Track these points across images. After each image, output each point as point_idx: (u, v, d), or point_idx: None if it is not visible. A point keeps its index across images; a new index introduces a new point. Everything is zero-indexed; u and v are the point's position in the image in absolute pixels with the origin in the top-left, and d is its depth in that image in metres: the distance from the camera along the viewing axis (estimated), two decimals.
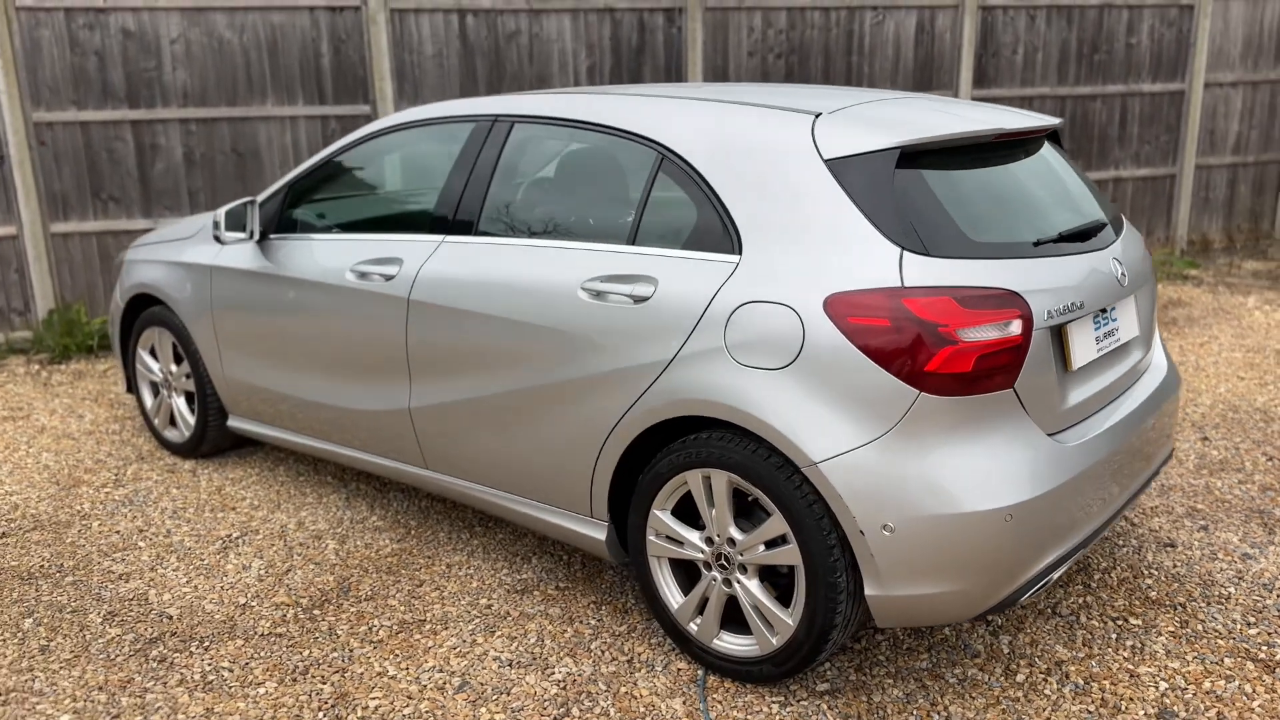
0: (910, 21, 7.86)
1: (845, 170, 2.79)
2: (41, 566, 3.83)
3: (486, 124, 3.62)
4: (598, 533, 3.25)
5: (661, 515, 3.05)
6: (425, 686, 3.02)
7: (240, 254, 4.27)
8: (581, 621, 3.36)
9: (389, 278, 3.66)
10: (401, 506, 4.27)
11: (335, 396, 3.96)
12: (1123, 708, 2.85)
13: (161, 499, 4.41)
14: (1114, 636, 3.20)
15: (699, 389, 2.84)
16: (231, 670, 3.14)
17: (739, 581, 2.92)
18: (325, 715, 2.90)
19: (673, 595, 3.10)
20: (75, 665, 3.18)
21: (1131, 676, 3.00)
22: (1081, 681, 2.98)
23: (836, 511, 2.65)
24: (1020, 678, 3.00)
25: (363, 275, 3.76)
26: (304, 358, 4.04)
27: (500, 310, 3.31)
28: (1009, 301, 2.64)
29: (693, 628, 3.06)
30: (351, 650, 3.23)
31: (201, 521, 4.18)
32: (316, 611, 3.47)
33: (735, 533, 2.90)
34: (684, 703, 2.92)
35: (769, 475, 2.75)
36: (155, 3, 6.50)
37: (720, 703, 2.91)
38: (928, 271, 2.64)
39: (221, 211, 4.11)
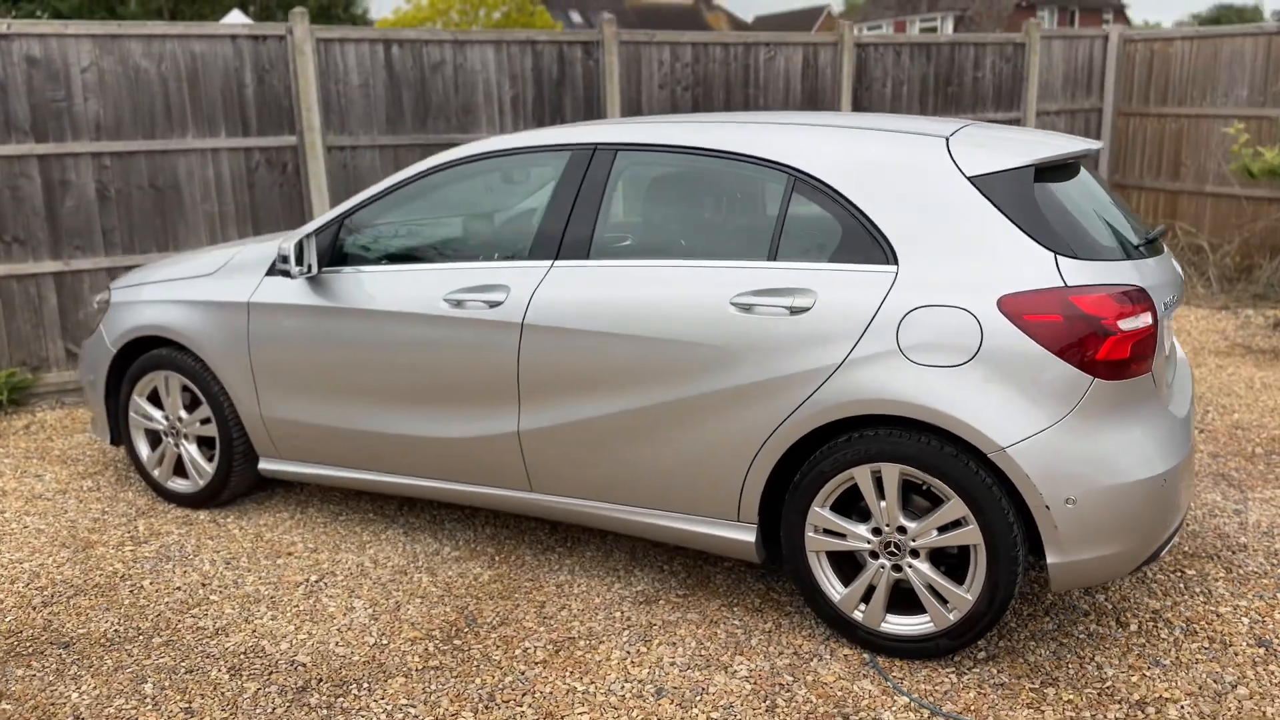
0: (798, 57, 8.44)
1: (990, 186, 3.13)
2: (116, 631, 3.56)
3: (585, 152, 3.73)
4: (746, 535, 3.43)
5: (822, 511, 3.26)
6: (624, 697, 3.09)
7: (286, 289, 4.12)
8: (724, 623, 3.51)
9: (494, 304, 3.68)
10: (467, 535, 4.24)
11: (418, 427, 3.91)
12: (1229, 642, 3.33)
13: (201, 551, 4.16)
14: (1183, 586, 3.70)
15: (874, 389, 3.09)
16: (416, 706, 3.08)
17: (911, 566, 3.18)
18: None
19: (834, 587, 3.32)
20: None
21: (1218, 616, 3.49)
22: (1184, 625, 3.44)
23: (1023, 490, 2.97)
24: (1133, 628, 3.43)
25: (458, 303, 3.75)
26: (378, 390, 3.96)
27: (637, 329, 3.43)
28: (1143, 296, 3.06)
29: (858, 615, 3.29)
30: (522, 672, 3.24)
31: (263, 569, 3.99)
32: (456, 641, 3.44)
33: (905, 521, 3.16)
34: (872, 682, 3.14)
35: (945, 464, 3.04)
36: (64, 29, 6.05)
37: (901, 680, 3.15)
38: (1080, 272, 3.02)
39: (290, 246, 3.96)
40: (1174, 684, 3.11)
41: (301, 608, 3.69)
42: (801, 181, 3.34)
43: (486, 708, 3.06)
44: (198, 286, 4.38)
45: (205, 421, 4.44)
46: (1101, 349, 2.95)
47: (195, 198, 6.53)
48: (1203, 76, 9.33)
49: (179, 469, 4.61)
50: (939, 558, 3.21)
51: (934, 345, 3.04)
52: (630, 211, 3.69)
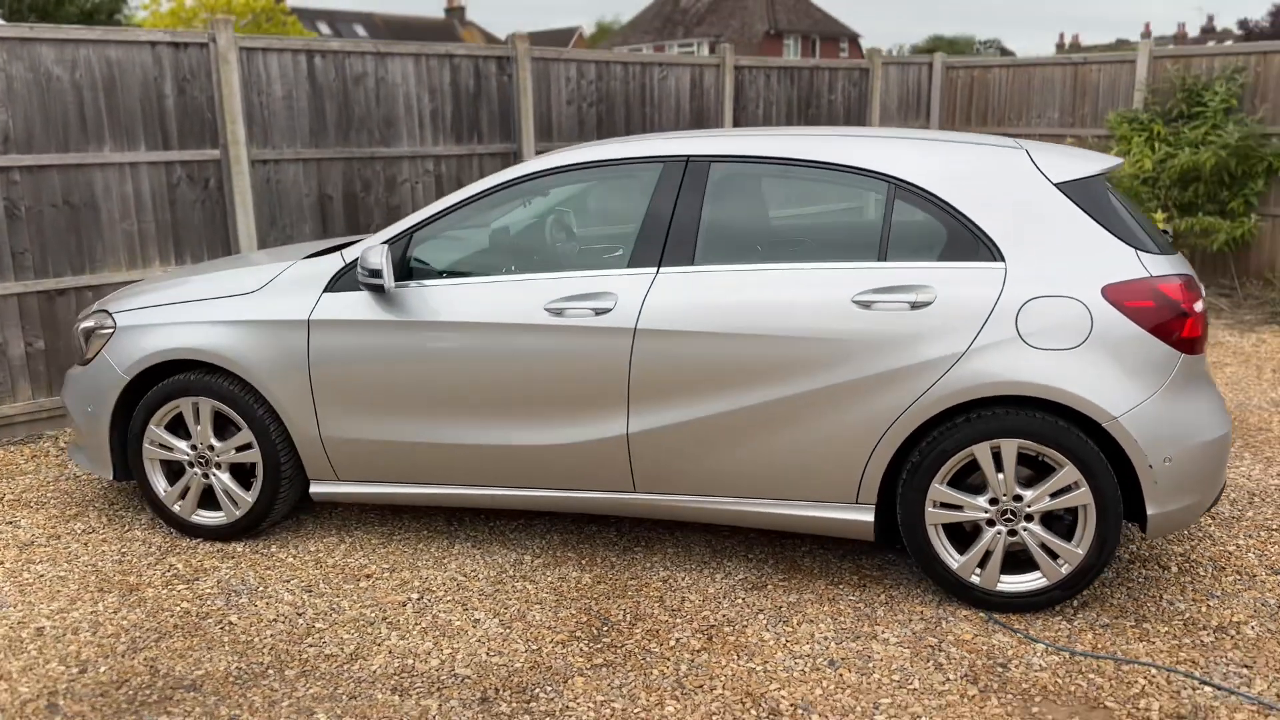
0: (686, 77, 8.84)
1: (1074, 191, 3.61)
2: (238, 668, 3.37)
3: (678, 164, 3.90)
4: (865, 516, 3.72)
5: (941, 487, 3.61)
6: (805, 671, 3.30)
7: (353, 305, 4.02)
8: (842, 600, 3.78)
9: (602, 311, 3.78)
10: (538, 543, 4.28)
11: (511, 436, 3.93)
12: (1253, 573, 3.96)
13: (267, 582, 3.96)
14: (1187, 534, 4.32)
15: (999, 373, 3.47)
16: (615, 701, 3.15)
17: (1026, 530, 3.58)
18: (759, 712, 3.08)
19: (951, 556, 3.67)
20: None
21: (1229, 554, 4.12)
22: (1210, 563, 4.04)
23: (1130, 453, 3.44)
24: (1174, 570, 3.99)
25: (559, 312, 3.82)
26: (466, 402, 3.94)
27: (757, 329, 3.65)
28: (1195, 284, 3.62)
29: (974, 579, 3.66)
30: (692, 660, 3.37)
31: (353, 593, 3.87)
32: (606, 640, 3.51)
33: (1020, 489, 3.56)
34: (1004, 637, 3.52)
35: (1060, 435, 3.47)
36: None
37: (1025, 631, 3.55)
38: (1155, 264, 3.54)
39: (376, 259, 3.86)
40: (1234, 610, 3.68)
41: (423, 624, 3.63)
42: (903, 189, 3.68)
43: (684, 693, 3.18)
44: (239, 306, 4.16)
45: (244, 448, 4.21)
46: (1184, 328, 3.48)
47: (114, 216, 6.06)
48: (1019, 100, 10.54)
49: (205, 501, 4.34)
50: (1047, 520, 3.62)
51: (1051, 331, 3.46)
52: (737, 220, 3.89)
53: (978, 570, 3.66)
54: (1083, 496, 3.51)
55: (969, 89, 10.93)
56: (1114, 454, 3.53)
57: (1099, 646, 3.44)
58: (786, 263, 3.73)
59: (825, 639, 3.50)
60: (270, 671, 3.35)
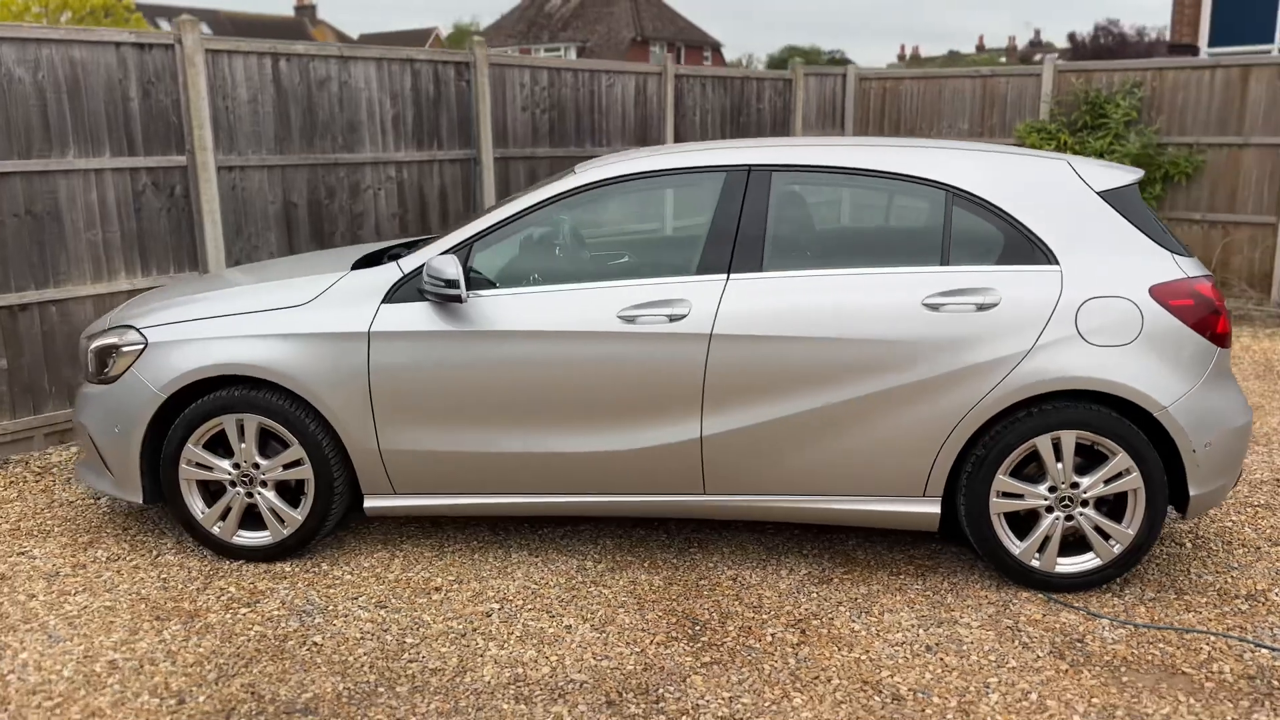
0: (631, 85, 8.95)
1: (1113, 199, 3.90)
2: (346, 689, 3.30)
3: (741, 173, 4.02)
4: (932, 508, 3.92)
5: (1005, 478, 3.85)
6: (907, 657, 3.46)
7: (414, 315, 3.97)
8: (909, 589, 3.97)
9: (676, 317, 3.86)
10: (593, 549, 4.31)
11: (581, 443, 3.96)
12: (1257, 545, 4.35)
13: (334, 601, 3.87)
14: None
15: (1062, 369, 3.73)
16: (743, 697, 3.24)
17: (1082, 514, 3.85)
18: (882, 698, 3.22)
19: (1013, 542, 3.91)
20: None
21: (1229, 528, 4.51)
22: (1218, 538, 4.42)
23: (1177, 440, 3.75)
24: (1189, 546, 4.35)
25: (632, 319, 3.88)
26: (534, 411, 3.95)
27: (830, 332, 3.80)
28: (1215, 283, 3.98)
29: (1034, 563, 3.90)
30: (796, 653, 3.49)
31: (426, 609, 3.82)
32: (704, 640, 3.60)
33: (1077, 477, 3.83)
34: (1070, 615, 3.77)
35: (1114, 426, 3.75)
36: None
37: (1085, 608, 3.81)
38: (1188, 266, 3.87)
39: (451, 267, 3.82)
40: (1254, 579, 4.04)
41: (516, 633, 3.63)
42: (959, 197, 3.90)
43: (804, 685, 3.30)
44: (290, 318, 4.04)
45: (292, 465, 4.09)
46: (1218, 324, 3.81)
47: (78, 225, 5.74)
48: (930, 110, 11.08)
49: (246, 521, 4.19)
50: (1099, 504, 3.90)
51: (1108, 329, 3.74)
52: (791, 226, 4.02)
53: (1037, 555, 3.90)
54: (1134, 481, 3.80)
55: (881, 99, 11.41)
56: (1160, 441, 3.83)
57: (1155, 618, 3.73)
58: (852, 268, 3.90)
59: (912, 626, 3.67)
60: (381, 690, 3.29)
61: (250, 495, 4.15)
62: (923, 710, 3.17)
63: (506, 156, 7.95)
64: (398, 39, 56.81)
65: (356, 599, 3.89)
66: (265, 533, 4.18)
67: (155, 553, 4.29)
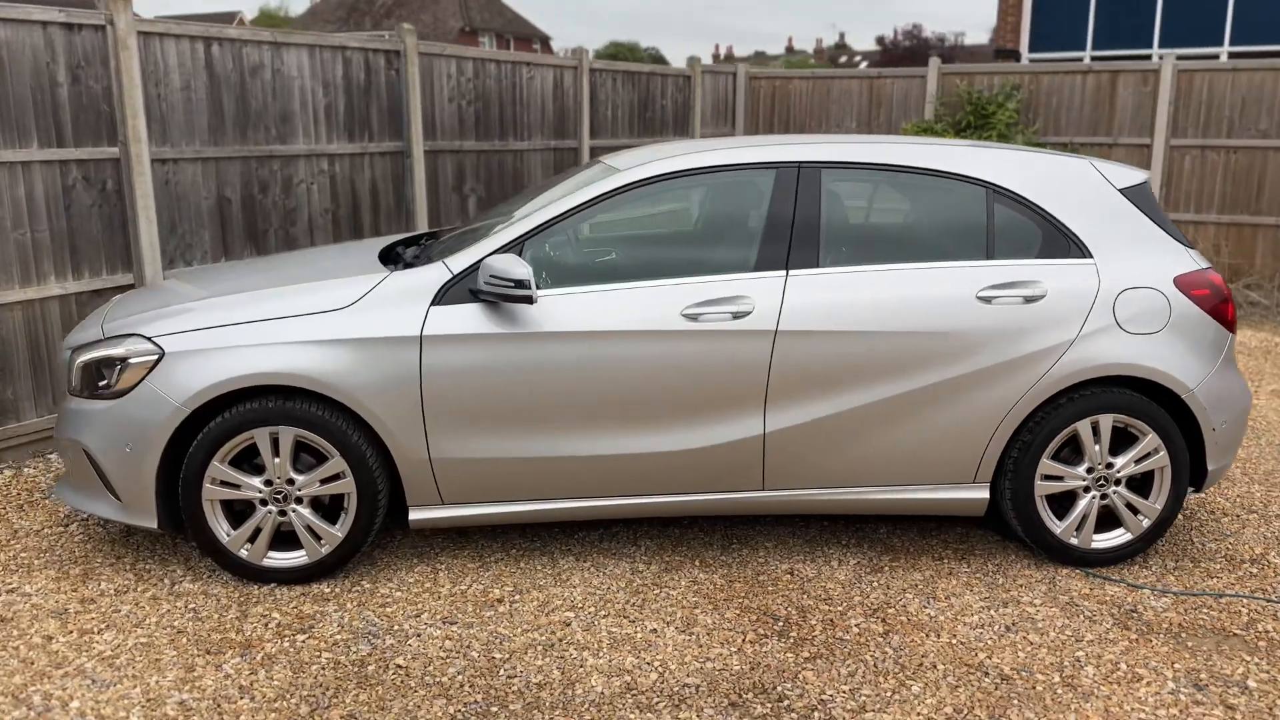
0: (550, 78, 8.81)
1: (1132, 196, 4.16)
2: (458, 712, 3.14)
3: (791, 170, 4.04)
4: (981, 494, 4.08)
5: (1048, 461, 4.04)
6: (995, 638, 3.59)
7: (467, 318, 3.80)
8: (959, 573, 4.11)
9: (740, 314, 3.85)
10: (642, 551, 4.25)
11: (642, 444, 3.90)
12: (1241, 516, 4.73)
13: (399, 622, 3.67)
14: None
15: (1104, 357, 3.95)
16: (864, 689, 3.27)
17: (1115, 493, 4.09)
18: (992, 679, 3.33)
19: (1054, 521, 4.11)
20: None
21: (1218, 502, 4.90)
22: (1208, 510, 4.79)
23: (1200, 419, 4.04)
24: (1179, 520, 4.69)
25: (695, 317, 3.85)
26: (593, 413, 3.86)
27: (889, 326, 3.89)
28: None
29: (1073, 541, 4.12)
30: (887, 642, 3.56)
31: (498, 621, 3.68)
32: (794, 635, 3.61)
33: (1111, 458, 4.07)
34: (1113, 587, 4.00)
35: (1145, 408, 4.01)
36: None
37: (1121, 580, 4.05)
38: (1198, 258, 4.18)
39: (520, 267, 3.66)
40: (1249, 544, 4.41)
41: (604, 641, 3.54)
42: (999, 194, 4.07)
43: (914, 672, 3.37)
44: (330, 323, 3.78)
45: (331, 479, 3.84)
46: (1229, 312, 4.13)
47: (4, 224, 5.17)
48: (819, 110, 11.43)
49: (284, 539, 3.91)
50: (1128, 483, 4.15)
51: (1141, 318, 3.98)
52: (844, 222, 4.06)
53: (1075, 534, 4.12)
54: (1161, 460, 4.06)
55: (771, 98, 11.68)
56: (1181, 421, 4.11)
57: (1187, 585, 4.01)
58: (903, 262, 3.99)
59: (983, 609, 3.81)
60: (495, 709, 3.14)
61: (283, 513, 3.86)
62: (1033, 688, 3.30)
63: (435, 149, 7.69)
64: (201, 22, 53.57)
65: (418, 616, 3.70)
66: (300, 553, 3.90)
67: (168, 581, 3.93)
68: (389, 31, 7.15)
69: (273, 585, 3.91)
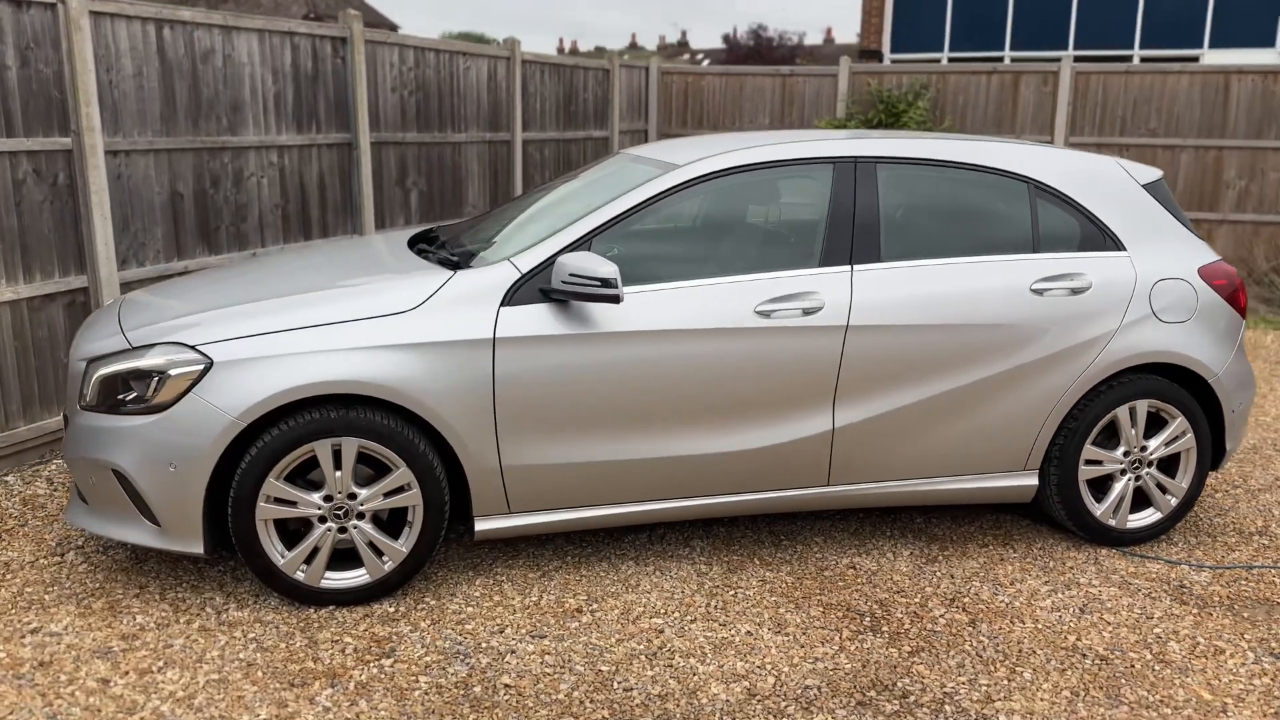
0: (484, 69, 8.56)
1: (1153, 191, 4.37)
2: None
3: (848, 165, 4.05)
4: (1031, 480, 4.20)
5: (1090, 446, 4.20)
6: (1075, 620, 3.70)
7: (538, 319, 3.65)
8: (1009, 560, 4.22)
9: (811, 310, 3.84)
10: (697, 553, 4.19)
11: (712, 444, 3.84)
12: (1249, 485, 5.04)
13: (483, 639, 3.49)
14: None
15: (1143, 345, 4.13)
16: (981, 679, 3.31)
17: (1148, 475, 4.29)
18: (1089, 660, 3.44)
19: (1094, 505, 4.27)
20: None
21: (1225, 475, 5.19)
22: (1213, 481, 5.07)
23: (1223, 402, 4.28)
24: (1216, 495, 4.96)
25: (768, 314, 3.81)
26: (665, 414, 3.77)
27: (952, 318, 3.95)
28: None
29: (1112, 522, 4.29)
30: (976, 630, 3.62)
31: (587, 632, 3.55)
32: (886, 630, 3.63)
33: (1144, 441, 4.26)
34: (1153, 565, 4.19)
35: (1175, 393, 4.22)
36: None
37: (1155, 557, 4.25)
38: (1211, 250, 4.42)
39: (606, 266, 3.51)
40: (1249, 517, 4.69)
41: (706, 646, 3.47)
42: (1039, 189, 4.19)
43: (1017, 659, 3.43)
44: (395, 326, 3.55)
45: (395, 491, 3.62)
46: (1242, 299, 4.38)
47: None
48: (732, 106, 11.54)
49: (343, 560, 3.65)
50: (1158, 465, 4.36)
51: (1174, 307, 4.18)
52: (899, 216, 4.09)
53: (1113, 516, 4.29)
54: (1188, 441, 4.28)
55: (684, 94, 11.72)
56: (1204, 404, 4.34)
57: (1218, 560, 4.24)
58: (958, 256, 4.06)
59: (1050, 592, 3.92)
60: None
61: (343, 530, 3.61)
62: (1131, 666, 3.42)
63: (380, 141, 7.35)
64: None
65: (502, 632, 3.53)
66: (359, 571, 3.66)
67: (211, 610, 3.61)
68: (340, 15, 6.82)
69: (330, 608, 3.65)
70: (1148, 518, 4.35)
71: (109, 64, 5.32)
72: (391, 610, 3.65)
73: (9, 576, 3.84)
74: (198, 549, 3.53)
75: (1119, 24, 20.60)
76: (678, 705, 3.14)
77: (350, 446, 3.54)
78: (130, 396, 3.52)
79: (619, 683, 3.24)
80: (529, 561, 4.06)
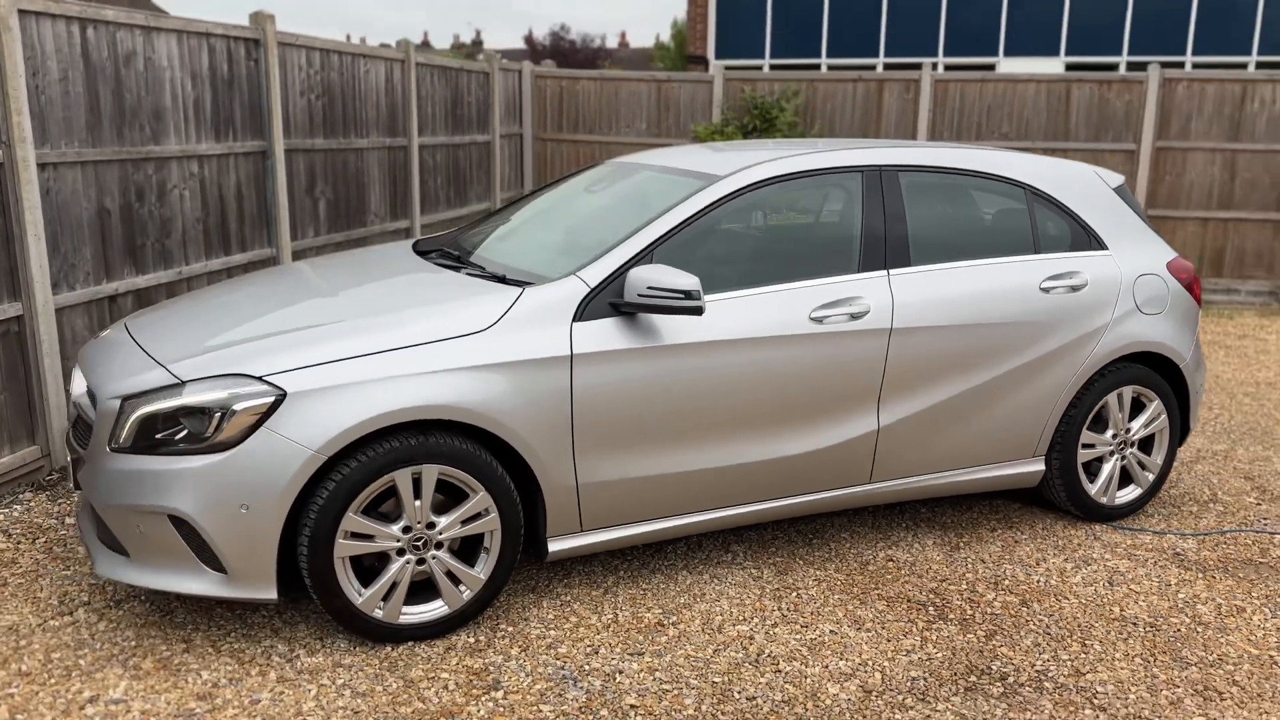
0: (382, 72, 8.26)
1: (1120, 194, 4.78)
2: None
3: (875, 173, 4.21)
4: (1039, 466, 4.50)
5: (1087, 431, 4.55)
6: (1109, 593, 3.99)
7: (610, 334, 3.61)
8: (1022, 542, 4.49)
9: (858, 315, 3.98)
10: (741, 556, 4.24)
11: (770, 450, 3.91)
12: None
13: (582, 662, 3.42)
14: None
15: (1130, 337, 4.50)
16: (1062, 654, 3.53)
17: (1131, 454, 4.68)
18: (1141, 628, 3.73)
19: (1090, 486, 4.62)
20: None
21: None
22: None
23: (1189, 384, 4.72)
24: (1186, 468, 5.42)
25: (820, 320, 3.92)
26: (727, 423, 3.81)
27: (979, 317, 4.19)
28: None
29: (1103, 500, 4.65)
30: (1029, 610, 3.85)
31: (673, 647, 3.54)
32: (955, 619, 3.81)
33: (1128, 424, 4.65)
34: (1144, 536, 4.58)
35: (1155, 380, 4.63)
36: None
37: (1143, 530, 4.65)
38: (1170, 246, 4.87)
39: (686, 279, 3.49)
40: (1197, 487, 5.19)
41: (799, 649, 3.53)
42: (1034, 193, 4.50)
43: (1082, 635, 3.68)
44: (471, 347, 3.42)
45: (473, 518, 3.50)
46: (1198, 290, 4.85)
47: None
48: (608, 111, 11.60)
49: (415, 594, 3.49)
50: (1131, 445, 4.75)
51: (1152, 301, 4.58)
52: (922, 222, 4.26)
53: (1105, 494, 4.65)
54: (1162, 422, 4.71)
55: (559, 97, 11.68)
56: (1174, 387, 4.78)
57: (1199, 528, 4.68)
58: (974, 259, 4.30)
59: (1072, 569, 4.21)
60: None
61: (421, 561, 3.45)
62: (1178, 630, 3.73)
63: (291, 148, 6.98)
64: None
65: (597, 653, 3.47)
66: (437, 603, 3.51)
67: (278, 659, 3.37)
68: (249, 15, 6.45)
69: (408, 644, 3.48)
70: (1131, 493, 4.74)
71: (35, 67, 4.82)
72: (472, 641, 3.52)
73: (24, 644, 3.44)
74: (270, 595, 3.28)
75: (924, 34, 22.03)
76: (805, 709, 3.19)
77: (430, 474, 3.39)
78: (180, 435, 3.23)
79: (739, 692, 3.26)
80: (585, 580, 3.99)
